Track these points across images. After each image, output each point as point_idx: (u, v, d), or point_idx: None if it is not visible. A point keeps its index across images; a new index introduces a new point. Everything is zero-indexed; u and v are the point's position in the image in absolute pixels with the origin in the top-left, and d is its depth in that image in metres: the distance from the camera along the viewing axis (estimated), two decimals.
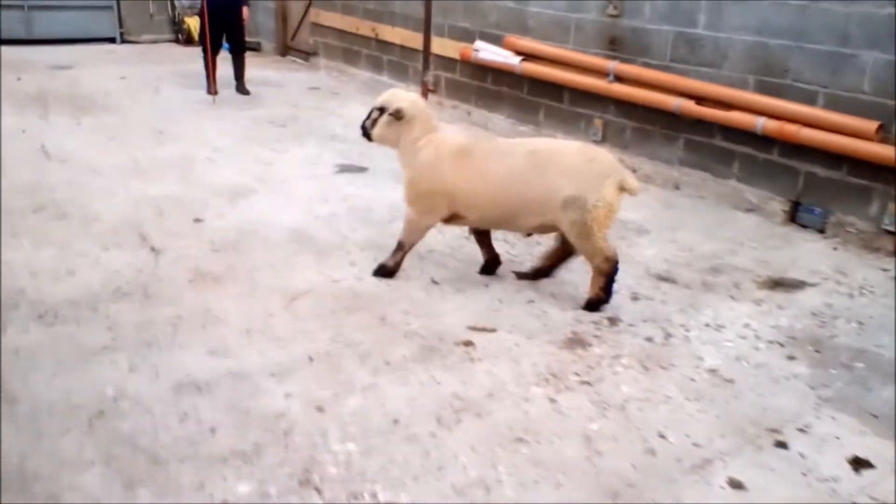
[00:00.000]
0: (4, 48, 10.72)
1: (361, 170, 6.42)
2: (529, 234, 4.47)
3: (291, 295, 4.09)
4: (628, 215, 5.57)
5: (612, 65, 6.52)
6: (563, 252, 4.31)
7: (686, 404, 3.27)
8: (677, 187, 6.31)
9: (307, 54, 11.11)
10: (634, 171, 6.59)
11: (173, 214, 5.14)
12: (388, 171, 6.34)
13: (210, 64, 8.56)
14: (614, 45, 6.66)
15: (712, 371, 3.54)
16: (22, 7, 11.14)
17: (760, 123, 5.54)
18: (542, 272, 4.44)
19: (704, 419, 3.17)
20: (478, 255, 4.68)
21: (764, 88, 5.64)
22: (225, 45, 8.79)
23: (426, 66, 8.78)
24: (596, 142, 6.95)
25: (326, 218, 5.26)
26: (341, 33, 10.26)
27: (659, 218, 5.59)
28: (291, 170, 6.26)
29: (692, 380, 3.46)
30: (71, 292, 3.97)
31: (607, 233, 3.97)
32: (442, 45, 8.51)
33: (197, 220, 5.07)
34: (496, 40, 7.76)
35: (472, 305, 4.09)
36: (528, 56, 7.40)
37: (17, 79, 8.98)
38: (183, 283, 4.16)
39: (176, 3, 12.00)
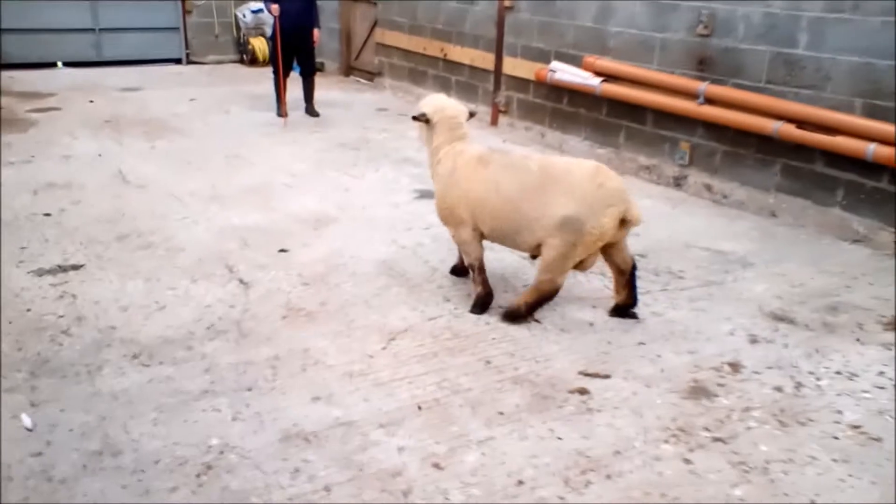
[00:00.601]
0: (78, 72, 10.89)
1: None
2: (534, 257, 4.25)
3: (389, 333, 3.90)
4: (726, 246, 5.29)
5: (703, 86, 6.24)
6: (619, 272, 4.14)
7: (834, 467, 2.97)
8: (774, 215, 5.98)
9: (371, 74, 11.04)
10: (725, 196, 6.31)
11: (258, 244, 5.01)
12: None
13: (281, 86, 8.52)
14: (703, 65, 6.38)
15: (855, 427, 3.24)
16: (93, 30, 11.29)
17: (871, 150, 5.20)
18: (626, 306, 4.18)
19: (859, 485, 2.87)
20: (575, 289, 4.46)
21: (872, 112, 5.31)
22: (294, 66, 8.73)
23: (497, 87, 8.61)
24: (683, 165, 6.67)
25: (412, 248, 5.08)
26: (407, 53, 10.15)
27: (760, 249, 5.28)
28: (370, 196, 6.11)
29: (835, 438, 3.16)
30: (164, 330, 3.84)
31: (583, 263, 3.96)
32: (514, 66, 8.33)
33: (282, 251, 4.93)
34: (573, 61, 7.54)
35: (579, 347, 3.85)
36: (608, 77, 7.16)
37: (90, 101, 9.05)
38: (276, 319, 4.01)
39: (241, 23, 12.05)
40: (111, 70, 11.17)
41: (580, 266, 4.01)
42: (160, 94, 9.67)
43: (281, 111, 8.57)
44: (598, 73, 7.24)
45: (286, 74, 8.54)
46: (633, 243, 5.15)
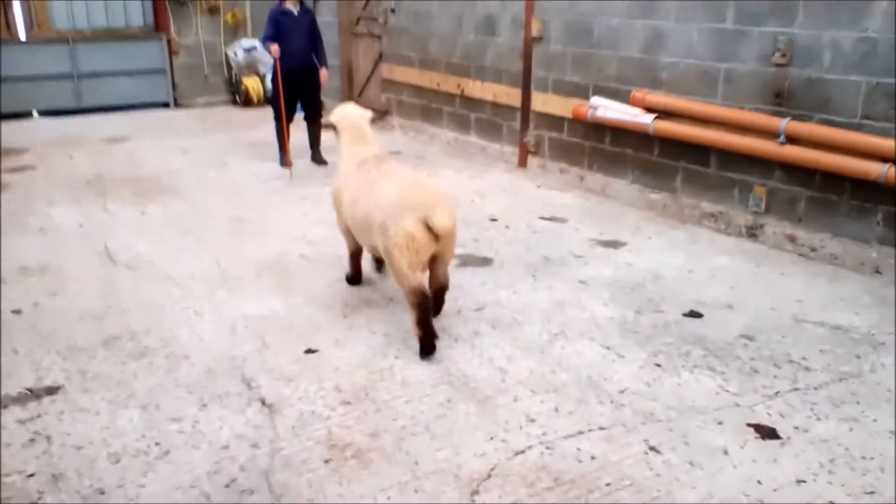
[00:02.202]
0: (56, 122, 9.95)
1: (485, 262, 5.31)
2: (379, 261, 4.79)
3: (469, 482, 2.95)
4: (841, 318, 4.39)
5: (784, 123, 5.37)
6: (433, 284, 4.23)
7: None
8: (878, 271, 5.09)
9: (378, 113, 10.13)
10: (814, 249, 5.43)
11: (279, 343, 4.06)
12: (518, 262, 5.24)
13: (284, 133, 7.61)
14: (781, 99, 5.51)
15: None
16: (71, 76, 10.36)
17: None
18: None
19: None
20: (686, 394, 3.53)
21: None
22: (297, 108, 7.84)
23: (525, 126, 7.74)
24: (757, 213, 5.78)
25: (469, 340, 4.15)
26: (419, 90, 9.28)
27: (881, 321, 4.37)
28: None
29: None
30: (170, 492, 2.87)
31: (415, 264, 3.94)
32: (545, 102, 7.46)
33: (310, 352, 3.98)
34: (616, 96, 6.67)
35: (719, 488, 2.91)
36: (661, 113, 6.29)
37: (70, 157, 8.10)
38: (317, 464, 3.05)
39: (232, 62, 11.17)
40: (93, 118, 10.25)
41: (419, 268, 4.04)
42: (148, 145, 8.74)
43: (285, 161, 7.65)
44: (648, 109, 6.37)
45: (289, 120, 7.64)
46: (734, 320, 4.27)
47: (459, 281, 4.94)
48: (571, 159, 7.37)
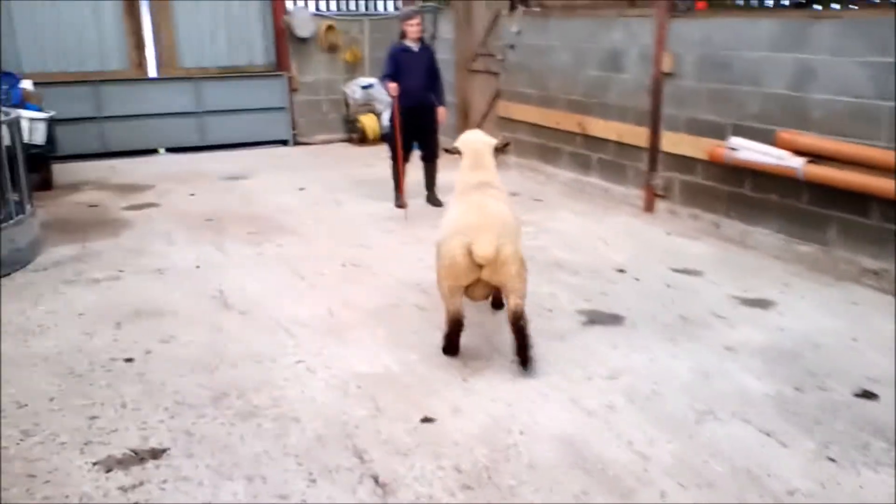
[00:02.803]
0: (180, 158, 10.22)
1: (615, 320, 4.83)
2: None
3: None
4: None
5: None
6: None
7: None
8: None
9: (504, 143, 9.83)
10: None
11: (392, 408, 3.74)
12: (652, 321, 4.74)
13: (400, 173, 7.41)
14: None
15: None
16: (196, 113, 10.64)
17: None
18: (519, 358, 4.13)
19: None
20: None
21: None
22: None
23: (653, 167, 7.22)
24: None
25: (602, 414, 3.68)
26: (536, 128, 8.93)
27: None
28: (538, 331, 4.74)
29: None
30: None
31: (455, 289, 4.09)
32: (676, 142, 6.93)
33: (426, 420, 3.63)
34: (758, 136, 6.08)
35: None
36: (812, 156, 5.66)
37: (190, 195, 8.21)
38: None
39: (350, 100, 11.20)
40: (214, 155, 10.46)
41: (468, 294, 4.19)
42: (266, 183, 8.77)
43: (400, 201, 7.45)
44: (797, 152, 5.75)
45: (406, 159, 7.43)
46: None
47: (587, 341, 4.50)
48: (705, 205, 6.79)
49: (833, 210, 5.69)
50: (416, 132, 7.38)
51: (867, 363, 4.19)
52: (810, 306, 5.03)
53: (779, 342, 4.48)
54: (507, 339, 4.45)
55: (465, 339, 4.50)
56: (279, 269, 5.83)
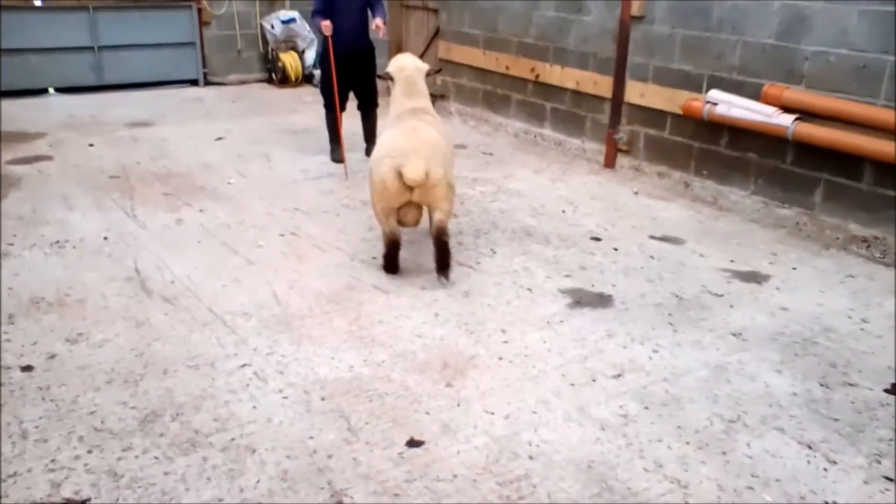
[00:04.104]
0: (74, 100, 8.92)
1: (603, 300, 4.28)
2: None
3: None
4: None
5: None
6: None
7: None
8: None
9: (432, 97, 9.03)
10: None
11: (370, 428, 3.07)
12: (644, 302, 4.22)
13: (338, 124, 6.56)
14: None
15: None
16: (91, 49, 9.29)
17: None
18: (438, 269, 4.36)
19: None
20: None
21: None
22: None
23: (616, 120, 6.65)
24: None
25: (616, 426, 3.14)
26: (482, 73, 8.18)
27: None
28: (505, 308, 4.15)
29: None
30: None
31: (388, 210, 4.23)
32: (643, 93, 6.37)
33: (413, 444, 2.98)
34: (740, 89, 5.59)
35: None
36: (801, 113, 5.20)
37: (90, 145, 7.10)
38: None
39: (268, 35, 10.08)
40: (115, 96, 9.20)
41: (401, 218, 4.30)
42: (178, 131, 7.70)
43: (339, 156, 6.62)
44: (784, 108, 5.28)
45: (342, 108, 6.57)
46: None
47: (579, 329, 3.93)
48: (674, 162, 6.29)
49: (820, 172, 5.28)
50: (352, 79, 6.51)
51: (887, 350, 3.80)
52: (806, 280, 4.62)
53: (787, 326, 4.03)
54: (490, 332, 3.84)
55: (441, 331, 3.85)
56: (205, 240, 4.97)
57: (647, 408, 3.27)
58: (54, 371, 3.42)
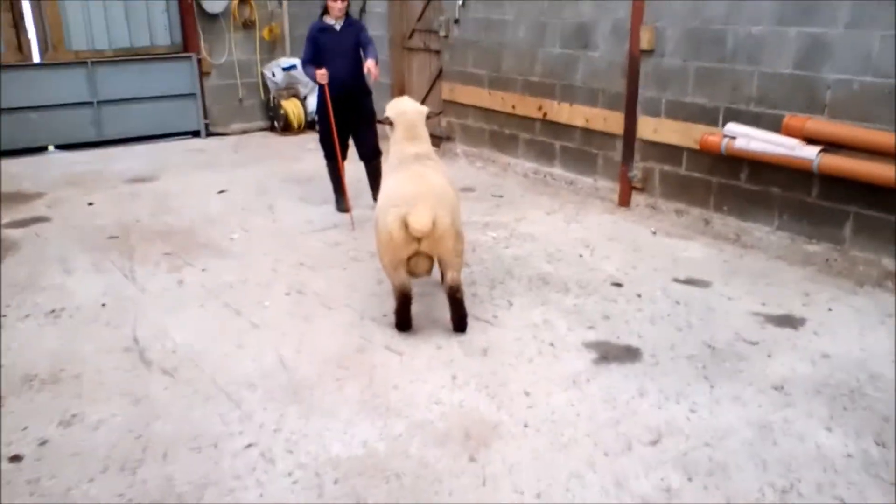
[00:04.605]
0: (74, 156, 8.77)
1: (631, 354, 4.02)
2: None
3: None
4: None
5: None
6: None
7: None
8: None
9: (436, 139, 8.85)
10: None
11: None
12: (675, 354, 3.94)
13: (340, 172, 6.35)
14: None
15: None
16: (91, 104, 9.17)
17: None
18: (455, 326, 4.25)
19: None
20: None
21: None
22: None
23: (629, 156, 6.44)
24: None
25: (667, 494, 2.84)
26: (488, 112, 8.01)
27: None
28: (526, 366, 3.89)
29: None
30: None
31: (396, 262, 4.02)
32: (656, 128, 6.16)
33: None
34: (758, 121, 5.37)
35: None
36: (825, 145, 4.98)
37: (89, 204, 6.91)
38: None
39: (269, 83, 9.96)
40: (115, 151, 9.05)
41: (410, 269, 4.09)
42: (179, 185, 7.52)
43: (343, 205, 6.40)
44: (806, 139, 5.06)
45: (343, 157, 6.35)
46: None
47: (609, 388, 3.66)
48: (692, 198, 6.05)
49: (848, 205, 5.04)
50: (350, 125, 6.27)
51: None
52: (844, 322, 4.35)
53: (831, 376, 3.76)
54: (513, 394, 3.57)
55: (460, 395, 3.59)
56: (208, 302, 4.74)
57: (690, 479, 2.99)
58: (45, 460, 3.16)
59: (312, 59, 6.07)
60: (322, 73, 5.95)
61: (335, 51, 6.08)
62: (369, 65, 5.96)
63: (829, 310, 4.52)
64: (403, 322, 4.22)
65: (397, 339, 4.19)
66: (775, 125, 5.22)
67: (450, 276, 4.10)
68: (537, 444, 3.22)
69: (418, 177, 4.16)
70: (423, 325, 4.33)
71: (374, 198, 6.35)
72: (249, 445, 3.24)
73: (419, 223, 3.84)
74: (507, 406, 3.52)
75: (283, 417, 3.44)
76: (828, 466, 3.06)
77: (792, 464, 3.08)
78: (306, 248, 5.70)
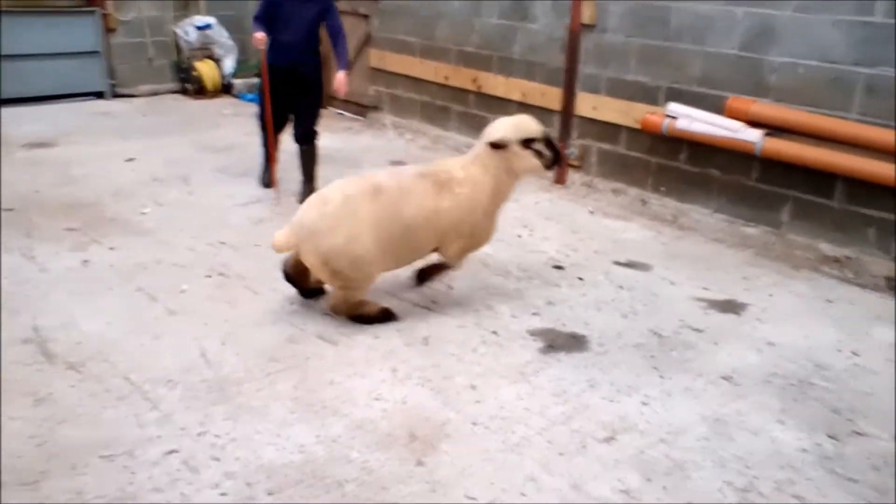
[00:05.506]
0: None
1: (578, 342, 3.85)
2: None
3: None
4: None
5: None
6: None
7: None
8: None
9: (363, 108, 8.50)
10: None
11: None
12: (622, 342, 3.81)
13: (270, 145, 5.88)
14: None
15: None
16: None
17: None
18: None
19: None
20: None
21: None
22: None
23: (566, 134, 6.28)
24: None
25: None
26: (419, 83, 7.69)
27: None
28: (471, 357, 3.67)
29: None
30: None
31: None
32: (596, 105, 6.01)
33: None
34: (701, 102, 5.29)
35: None
36: (769, 128, 4.93)
37: None
38: None
39: (182, 43, 9.31)
40: (12, 112, 8.25)
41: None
42: (84, 152, 6.90)
43: (269, 179, 5.98)
44: (749, 122, 5.00)
45: (278, 130, 5.89)
46: None
47: (559, 380, 3.48)
48: (630, 178, 5.95)
49: (788, 189, 5.03)
50: (292, 99, 5.75)
51: (883, 389, 3.51)
52: (786, 308, 4.32)
53: (778, 365, 3.70)
54: (459, 389, 3.35)
55: (402, 391, 3.34)
56: (118, 286, 4.30)
57: (649, 479, 2.85)
58: None
59: (263, 19, 5.52)
60: (260, 38, 5.42)
61: (291, 18, 5.52)
62: (339, 79, 5.56)
63: (770, 295, 4.48)
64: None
65: (331, 328, 3.90)
66: (718, 106, 5.15)
67: (333, 304, 3.94)
68: (488, 445, 3.01)
69: (335, 187, 3.80)
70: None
71: (305, 184, 5.92)
72: (170, 452, 2.90)
73: (274, 239, 3.80)
74: (454, 402, 3.29)
75: (207, 419, 3.11)
76: (784, 463, 2.98)
77: (749, 461, 2.98)
78: (227, 224, 5.29)
